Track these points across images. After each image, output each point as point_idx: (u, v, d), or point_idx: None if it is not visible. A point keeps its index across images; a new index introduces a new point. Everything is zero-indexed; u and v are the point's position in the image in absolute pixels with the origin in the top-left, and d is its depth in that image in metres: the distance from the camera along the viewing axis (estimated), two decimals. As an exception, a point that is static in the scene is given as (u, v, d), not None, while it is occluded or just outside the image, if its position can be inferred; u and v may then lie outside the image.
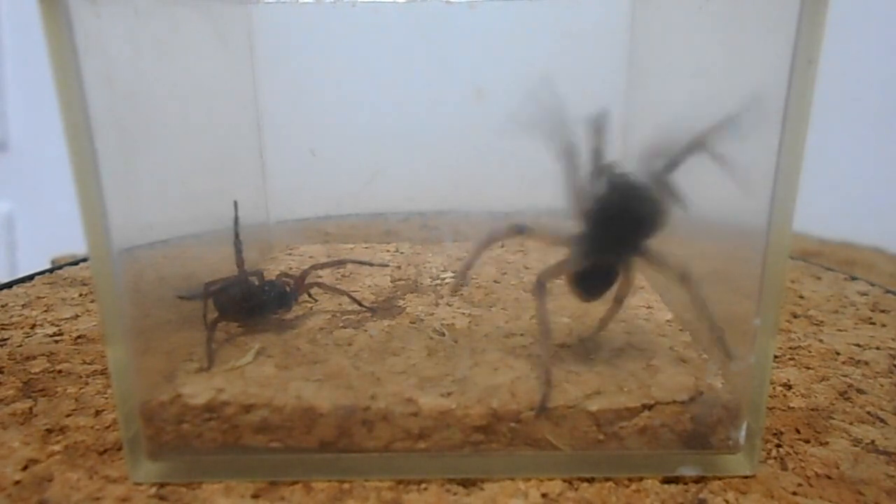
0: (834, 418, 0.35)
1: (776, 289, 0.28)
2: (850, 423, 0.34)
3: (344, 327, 0.37)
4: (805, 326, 0.46)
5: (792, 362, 0.41)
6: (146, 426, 0.30)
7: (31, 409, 0.35)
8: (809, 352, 0.42)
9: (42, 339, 0.43)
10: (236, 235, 0.36)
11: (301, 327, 0.38)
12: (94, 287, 0.34)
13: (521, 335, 0.36)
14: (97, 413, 0.35)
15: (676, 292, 0.41)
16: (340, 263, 0.41)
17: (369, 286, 0.45)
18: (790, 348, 0.43)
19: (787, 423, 0.34)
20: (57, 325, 0.45)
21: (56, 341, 0.43)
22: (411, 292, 0.42)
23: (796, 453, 0.32)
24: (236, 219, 0.36)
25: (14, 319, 0.46)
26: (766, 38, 0.28)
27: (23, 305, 0.49)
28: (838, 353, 0.42)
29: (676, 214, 0.32)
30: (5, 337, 0.43)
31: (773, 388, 0.37)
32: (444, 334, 0.36)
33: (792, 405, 0.36)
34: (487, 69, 0.49)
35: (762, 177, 0.27)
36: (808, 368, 0.40)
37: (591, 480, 0.30)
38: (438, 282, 0.45)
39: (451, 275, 0.46)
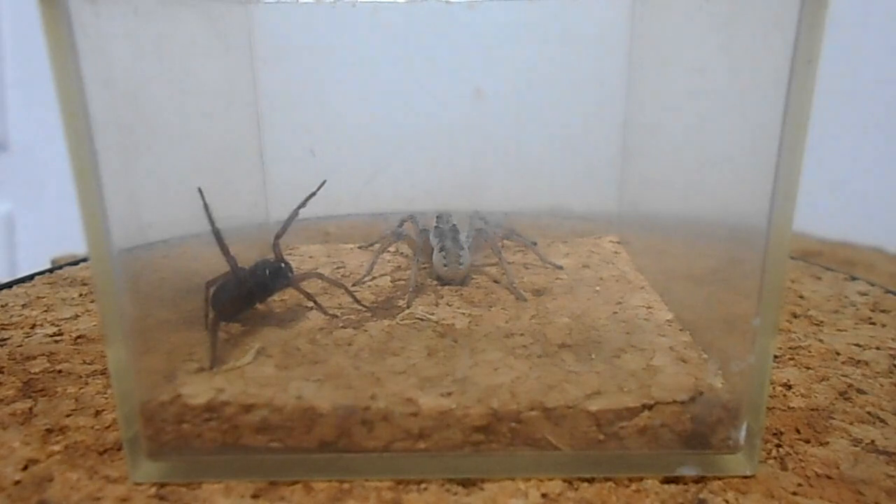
0: (834, 418, 0.35)
1: (776, 289, 0.28)
2: (850, 423, 0.34)
3: (344, 327, 0.37)
4: (805, 326, 0.46)
5: (792, 362, 0.41)
6: (146, 426, 0.30)
7: (31, 409, 0.35)
8: (809, 352, 0.42)
9: (42, 339, 0.43)
10: (212, 225, 0.36)
11: (301, 327, 0.38)
12: (94, 287, 0.34)
13: (521, 335, 0.36)
14: (97, 413, 0.35)
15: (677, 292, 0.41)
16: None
17: (369, 286, 0.45)
18: (790, 348, 0.43)
19: (787, 423, 0.34)
20: (57, 325, 0.45)
21: (56, 341, 0.43)
22: (412, 292, 0.42)
23: (796, 453, 0.32)
24: (206, 206, 0.36)
25: (14, 319, 0.46)
26: (766, 38, 0.28)
27: (23, 305, 0.49)
28: (838, 353, 0.42)
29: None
30: (5, 337, 0.43)
31: (773, 388, 0.37)
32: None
33: (792, 405, 0.36)
34: (487, 69, 0.49)
35: (762, 176, 0.27)
36: (808, 368, 0.40)
37: (591, 480, 0.30)
38: (438, 282, 0.45)
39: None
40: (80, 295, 0.51)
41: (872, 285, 0.54)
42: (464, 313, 0.40)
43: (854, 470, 0.30)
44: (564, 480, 0.30)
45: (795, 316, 0.48)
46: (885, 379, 0.39)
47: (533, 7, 0.48)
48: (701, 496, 0.29)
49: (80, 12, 0.26)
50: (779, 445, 0.32)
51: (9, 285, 0.53)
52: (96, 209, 0.27)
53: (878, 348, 0.43)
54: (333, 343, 0.36)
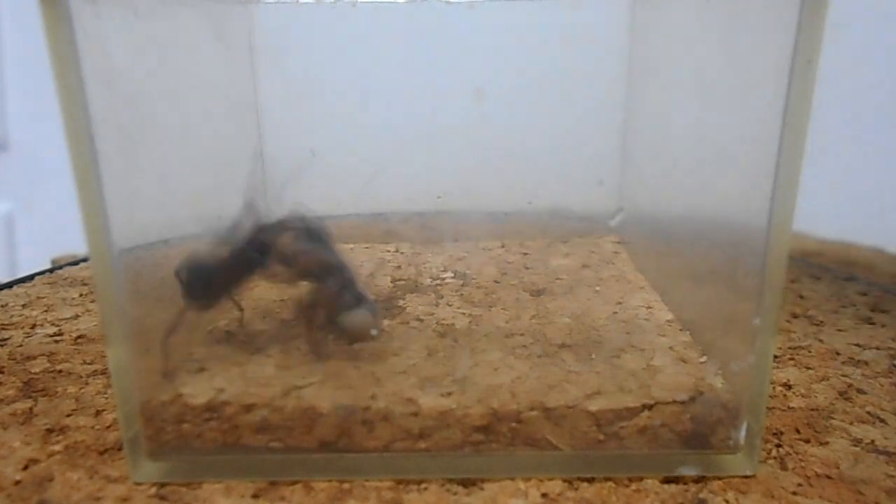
0: (834, 418, 0.35)
1: (776, 289, 0.28)
2: (850, 423, 0.34)
3: (344, 327, 0.37)
4: (805, 326, 0.46)
5: (792, 362, 0.41)
6: (146, 426, 0.30)
7: (31, 409, 0.35)
8: (809, 352, 0.42)
9: (42, 339, 0.43)
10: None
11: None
12: (94, 287, 0.34)
13: (521, 335, 0.36)
14: (97, 413, 0.35)
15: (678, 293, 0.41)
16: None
17: (369, 286, 0.45)
18: (790, 348, 0.43)
19: (787, 423, 0.34)
20: (57, 325, 0.45)
21: (56, 341, 0.43)
22: (411, 292, 0.42)
23: (796, 453, 0.32)
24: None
25: (14, 319, 0.46)
26: (766, 38, 0.28)
27: (23, 305, 0.49)
28: (838, 353, 0.42)
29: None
30: (5, 337, 0.43)
31: (773, 388, 0.37)
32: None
33: (792, 405, 0.36)
34: (487, 69, 0.49)
35: (762, 176, 0.27)
36: (808, 368, 0.40)
37: (591, 480, 0.30)
38: (438, 282, 0.45)
39: (451, 275, 0.46)
40: (80, 295, 0.51)
41: (872, 285, 0.54)
42: (464, 313, 0.40)
43: (854, 470, 0.30)
44: (564, 480, 0.30)
45: (795, 316, 0.48)
46: (885, 379, 0.39)
47: (533, 7, 0.48)
48: (701, 496, 0.29)
49: (81, 13, 0.26)
50: (779, 445, 0.32)
51: (9, 285, 0.53)
52: (96, 209, 0.27)
53: (878, 348, 0.43)
54: (334, 343, 0.36)
